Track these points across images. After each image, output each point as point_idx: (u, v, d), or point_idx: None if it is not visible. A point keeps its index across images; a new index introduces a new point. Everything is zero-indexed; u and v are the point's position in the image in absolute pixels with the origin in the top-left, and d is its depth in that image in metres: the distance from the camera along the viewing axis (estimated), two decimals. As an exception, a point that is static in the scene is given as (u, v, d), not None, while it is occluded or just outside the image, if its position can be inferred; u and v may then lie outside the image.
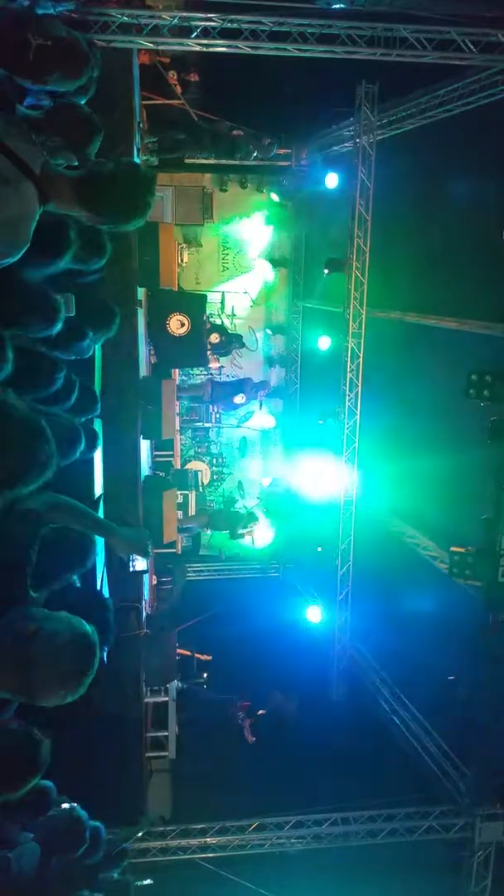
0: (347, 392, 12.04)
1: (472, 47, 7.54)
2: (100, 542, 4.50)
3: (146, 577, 8.85)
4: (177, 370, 12.91)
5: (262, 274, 15.41)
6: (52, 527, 3.11)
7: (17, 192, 2.52)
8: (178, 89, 10.15)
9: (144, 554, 4.23)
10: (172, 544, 11.17)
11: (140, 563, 8.37)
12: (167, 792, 9.93)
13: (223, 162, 14.24)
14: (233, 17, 7.33)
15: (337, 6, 7.27)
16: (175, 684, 10.02)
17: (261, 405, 15.43)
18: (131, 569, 8.23)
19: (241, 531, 14.05)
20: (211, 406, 14.81)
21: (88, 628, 2.52)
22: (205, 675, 11.69)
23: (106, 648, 3.52)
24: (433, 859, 9.56)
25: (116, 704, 8.20)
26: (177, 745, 9.83)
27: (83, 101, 4.10)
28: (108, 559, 5.94)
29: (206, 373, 14.46)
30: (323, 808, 9.26)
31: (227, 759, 10.99)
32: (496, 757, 9.01)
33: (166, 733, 9.75)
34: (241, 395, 14.06)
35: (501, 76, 8.19)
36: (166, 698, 9.72)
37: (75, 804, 4.60)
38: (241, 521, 14.15)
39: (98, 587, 6.03)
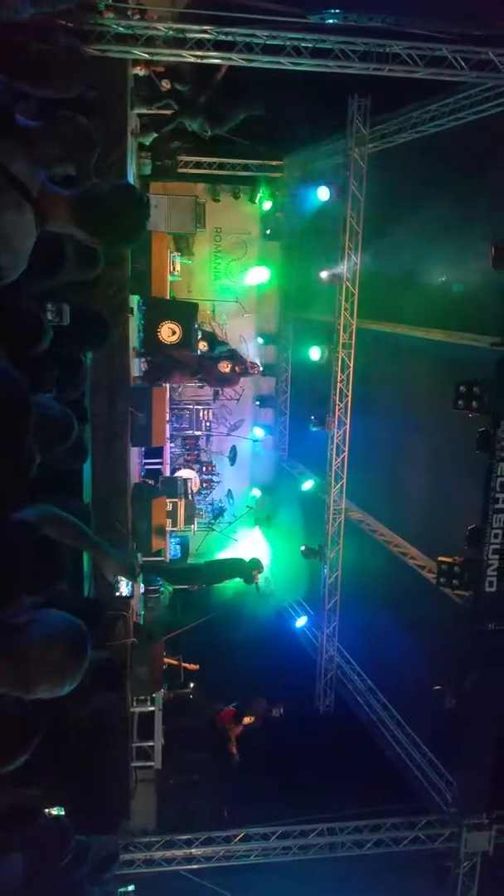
0: (337, 402, 12.11)
1: (463, 64, 7.63)
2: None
3: (132, 586, 8.78)
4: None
5: (255, 279, 15.47)
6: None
7: (17, 215, 2.56)
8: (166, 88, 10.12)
9: (132, 577, 4.24)
10: (160, 552, 11.16)
11: (125, 588, 8.27)
12: (152, 802, 9.86)
13: (215, 172, 14.36)
14: (227, 29, 7.38)
15: (331, 21, 7.36)
16: (161, 694, 9.98)
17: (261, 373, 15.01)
18: (117, 593, 8.14)
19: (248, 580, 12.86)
20: (198, 383, 14.20)
21: (79, 620, 2.57)
22: (191, 685, 11.63)
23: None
24: (419, 869, 9.56)
25: (102, 714, 8.15)
26: (162, 755, 9.77)
27: (79, 111, 4.13)
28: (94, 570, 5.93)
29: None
30: (309, 819, 9.24)
31: (213, 770, 10.95)
32: (482, 766, 9.04)
33: (152, 743, 9.70)
34: (227, 363, 13.30)
35: (491, 93, 8.33)
36: (153, 708, 9.67)
37: (61, 813, 4.58)
38: (243, 569, 12.87)
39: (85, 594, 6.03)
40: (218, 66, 9.21)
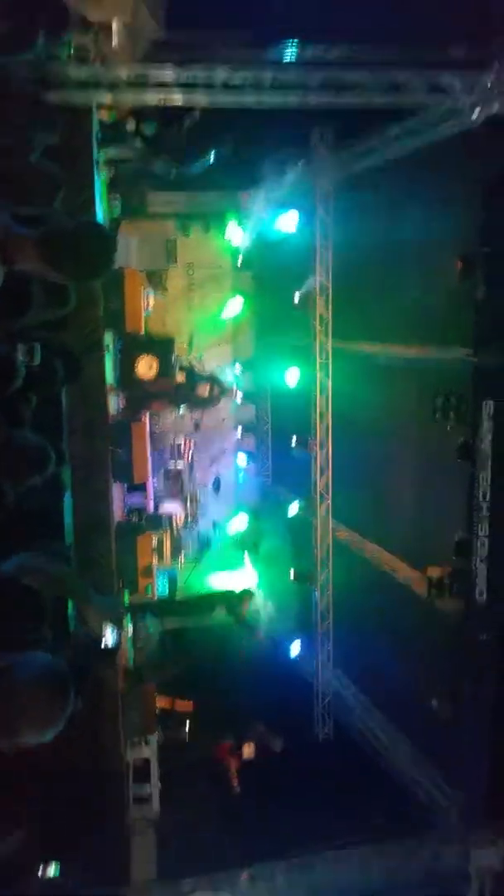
0: (318, 423, 12.17)
1: (419, 88, 7.82)
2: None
3: (118, 635, 8.63)
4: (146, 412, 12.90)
5: (230, 311, 15.62)
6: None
7: None
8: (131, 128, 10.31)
9: (118, 626, 4.18)
10: (148, 589, 11.08)
11: (110, 637, 8.14)
12: (152, 849, 9.63)
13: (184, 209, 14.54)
14: (188, 69, 7.54)
15: (288, 56, 7.54)
16: (156, 737, 9.81)
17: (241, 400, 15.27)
18: (102, 643, 8.03)
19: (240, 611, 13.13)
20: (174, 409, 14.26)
21: (58, 662, 2.53)
22: (186, 726, 11.43)
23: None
24: (429, 891, 9.40)
25: (95, 760, 7.97)
26: (160, 799, 9.58)
27: (43, 155, 4.20)
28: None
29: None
30: (315, 848, 9.08)
31: (212, 811, 10.74)
32: (485, 780, 8.95)
33: (149, 787, 9.51)
34: (206, 384, 13.56)
35: (448, 114, 8.52)
36: (147, 751, 9.51)
37: (57, 871, 4.44)
38: (233, 601, 13.20)
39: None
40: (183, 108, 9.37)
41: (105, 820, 8.24)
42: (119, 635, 8.60)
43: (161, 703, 10.63)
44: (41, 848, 4.12)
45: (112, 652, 8.25)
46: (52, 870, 4.55)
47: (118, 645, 8.62)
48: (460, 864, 9.10)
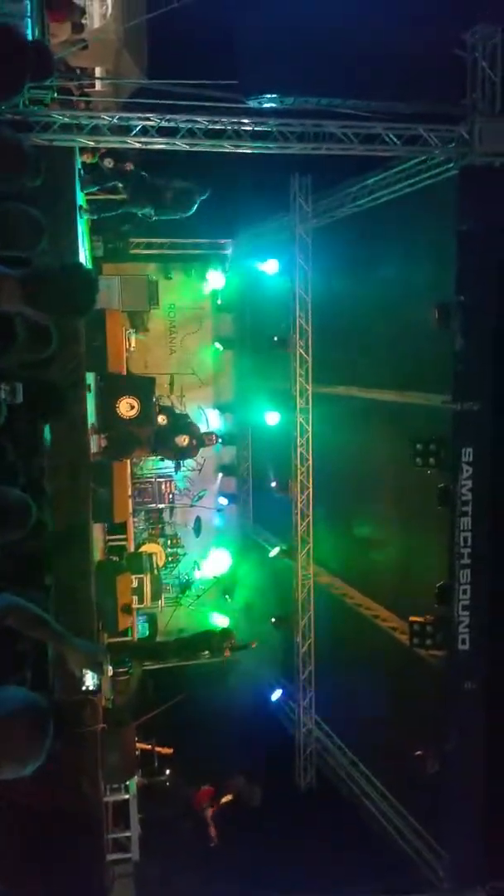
0: (298, 466, 12.18)
1: (395, 140, 8.06)
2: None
3: (98, 679, 8.47)
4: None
5: (209, 354, 15.73)
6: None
7: None
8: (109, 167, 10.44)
9: (98, 670, 4.13)
10: (128, 631, 10.90)
11: (90, 681, 8.01)
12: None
13: (166, 252, 14.74)
14: (170, 116, 7.72)
15: (268, 105, 7.74)
16: (136, 780, 9.57)
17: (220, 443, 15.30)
18: (83, 686, 7.88)
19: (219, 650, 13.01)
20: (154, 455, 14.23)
21: (37, 696, 2.53)
22: (167, 772, 11.19)
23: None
24: None
25: (74, 804, 7.75)
26: (140, 845, 9.31)
27: (26, 200, 4.23)
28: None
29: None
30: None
31: (193, 857, 10.41)
32: (472, 835, 8.73)
33: (129, 833, 9.25)
34: (185, 436, 13.52)
35: (423, 166, 8.77)
36: (127, 796, 9.26)
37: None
38: (214, 642, 13.07)
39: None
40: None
41: (82, 865, 7.96)
42: (100, 679, 8.45)
43: (141, 746, 10.38)
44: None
45: (92, 693, 8.08)
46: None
47: (99, 688, 8.45)
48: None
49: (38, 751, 2.42)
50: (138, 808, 9.38)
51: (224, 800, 10.60)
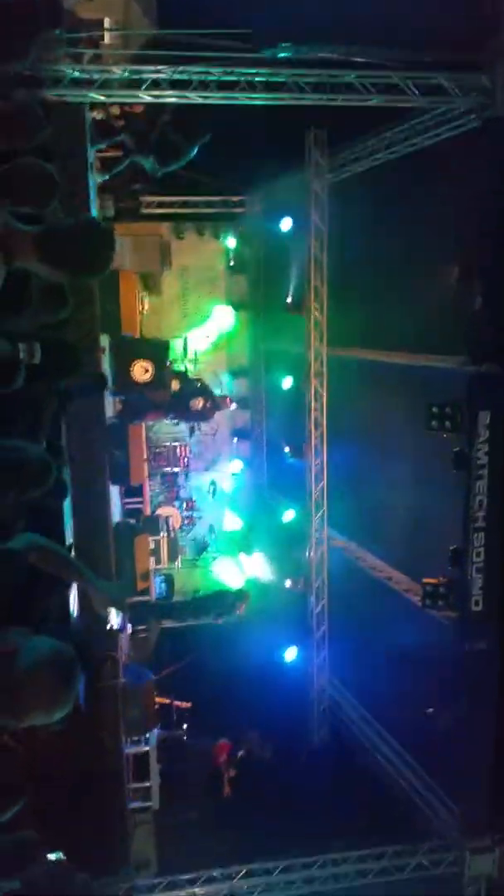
0: (313, 431, 12.13)
1: (415, 90, 7.82)
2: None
3: (123, 618, 8.68)
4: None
5: (223, 319, 15.58)
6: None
7: None
8: (122, 123, 10.20)
9: (122, 608, 4.22)
10: (146, 591, 11.03)
11: (115, 620, 8.20)
12: (151, 843, 9.64)
13: (178, 211, 14.47)
14: (181, 67, 7.52)
15: (282, 55, 7.52)
16: (155, 734, 9.81)
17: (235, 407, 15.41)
18: (108, 625, 8.06)
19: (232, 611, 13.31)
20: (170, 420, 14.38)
21: (65, 645, 2.57)
22: (184, 726, 11.44)
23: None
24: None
25: (96, 756, 7.99)
26: (160, 795, 9.59)
27: (40, 156, 4.17)
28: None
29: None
30: (311, 851, 9.02)
31: (211, 808, 10.70)
32: (482, 788, 8.89)
33: (148, 784, 9.52)
34: (200, 398, 13.59)
35: (443, 117, 8.51)
36: (147, 748, 9.50)
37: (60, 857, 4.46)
38: (229, 600, 13.42)
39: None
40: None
41: (105, 813, 8.24)
42: (124, 618, 8.64)
43: (160, 700, 10.62)
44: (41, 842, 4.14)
45: (115, 634, 8.29)
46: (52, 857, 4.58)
47: (123, 627, 8.66)
48: (458, 870, 9.05)
49: (65, 699, 2.47)
50: (157, 760, 9.63)
51: (241, 754, 10.85)
